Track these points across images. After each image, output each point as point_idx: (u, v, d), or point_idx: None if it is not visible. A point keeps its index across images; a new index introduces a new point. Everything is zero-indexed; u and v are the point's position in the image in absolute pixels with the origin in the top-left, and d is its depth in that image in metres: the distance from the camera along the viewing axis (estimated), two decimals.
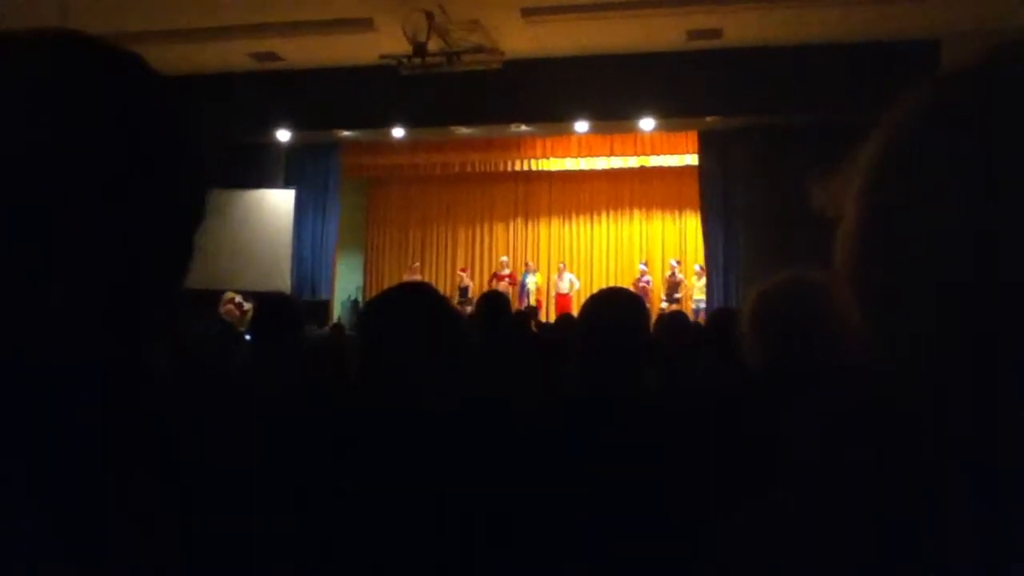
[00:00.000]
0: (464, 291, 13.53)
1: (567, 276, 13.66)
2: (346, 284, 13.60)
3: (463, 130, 11.22)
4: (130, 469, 0.55)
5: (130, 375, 0.59)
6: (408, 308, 1.74)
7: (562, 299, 13.35)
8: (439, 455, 1.47)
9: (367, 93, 9.90)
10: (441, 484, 1.40)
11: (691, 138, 11.89)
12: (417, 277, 13.26)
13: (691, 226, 14.10)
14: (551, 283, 13.97)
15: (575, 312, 10.75)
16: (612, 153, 12.81)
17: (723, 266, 11.12)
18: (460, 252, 15.26)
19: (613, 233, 14.90)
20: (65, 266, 0.53)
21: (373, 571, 1.37)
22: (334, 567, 1.34)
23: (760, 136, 10.09)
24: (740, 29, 8.68)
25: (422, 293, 1.83)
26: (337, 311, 12.22)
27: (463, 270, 14.33)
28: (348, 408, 1.74)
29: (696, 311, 11.85)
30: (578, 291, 13.38)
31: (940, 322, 0.50)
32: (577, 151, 13.03)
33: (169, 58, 9.40)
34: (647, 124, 10.43)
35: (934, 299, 0.50)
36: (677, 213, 14.37)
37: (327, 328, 7.29)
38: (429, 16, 7.79)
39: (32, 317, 0.53)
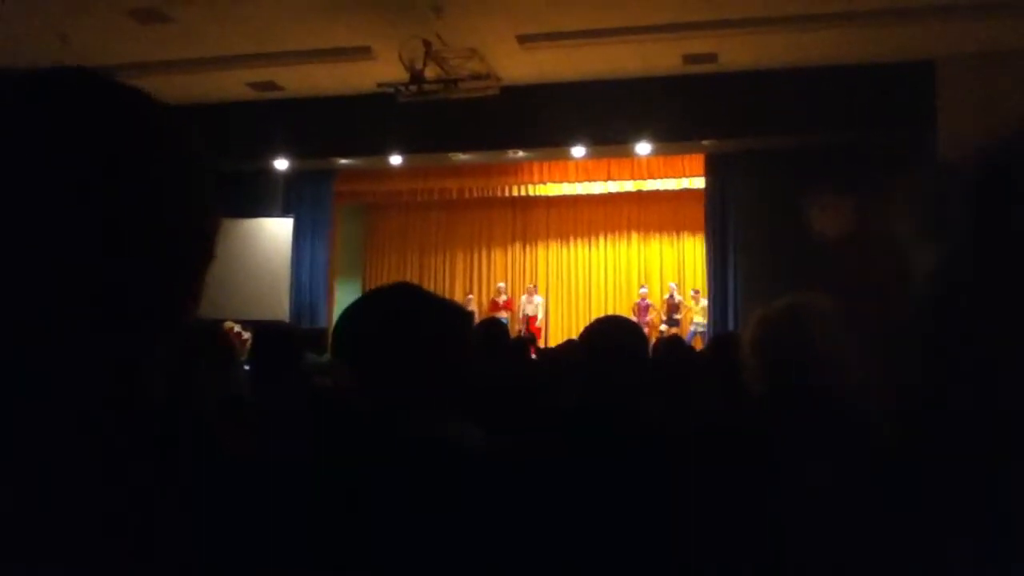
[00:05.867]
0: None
1: (536, 299, 13.77)
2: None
3: (461, 156, 11.25)
4: (133, 494, 0.55)
5: (134, 408, 0.58)
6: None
7: (531, 322, 13.40)
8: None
9: (365, 121, 9.94)
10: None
11: (687, 162, 11.97)
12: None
13: (688, 249, 14.16)
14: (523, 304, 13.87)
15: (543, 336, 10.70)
16: (609, 177, 12.89)
17: (727, 289, 11.06)
18: (459, 278, 15.27)
19: (611, 257, 14.91)
20: (64, 303, 0.53)
21: None
22: None
23: (758, 159, 10.13)
24: (735, 53, 8.73)
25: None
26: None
27: (469, 295, 14.38)
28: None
29: (693, 333, 11.92)
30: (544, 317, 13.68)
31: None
32: (575, 176, 13.09)
33: (168, 88, 9.46)
34: (644, 148, 10.46)
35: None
36: (675, 236, 14.43)
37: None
38: (427, 44, 7.85)
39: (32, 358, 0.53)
